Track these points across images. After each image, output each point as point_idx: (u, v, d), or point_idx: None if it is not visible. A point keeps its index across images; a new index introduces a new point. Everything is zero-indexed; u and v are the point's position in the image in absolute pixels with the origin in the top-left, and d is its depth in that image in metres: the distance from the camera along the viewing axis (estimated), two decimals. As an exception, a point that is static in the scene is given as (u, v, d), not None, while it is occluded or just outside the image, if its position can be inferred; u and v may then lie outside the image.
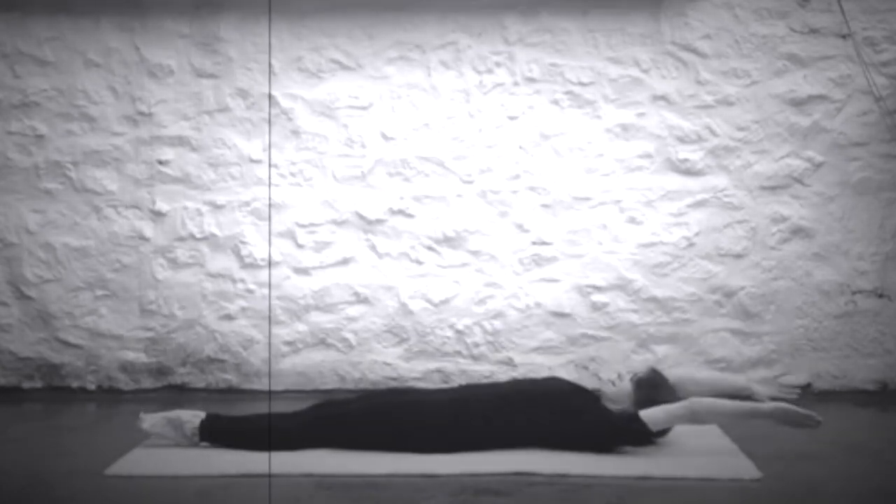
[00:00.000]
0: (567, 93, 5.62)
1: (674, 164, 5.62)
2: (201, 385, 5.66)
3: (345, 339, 5.65)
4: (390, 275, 5.66)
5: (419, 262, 5.67)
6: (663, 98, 5.61)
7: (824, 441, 4.62)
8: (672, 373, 4.61)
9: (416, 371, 5.63)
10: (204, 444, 4.42)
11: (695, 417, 4.28)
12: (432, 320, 5.66)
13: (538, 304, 5.62)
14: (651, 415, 4.28)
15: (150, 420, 4.43)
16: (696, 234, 5.63)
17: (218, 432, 4.43)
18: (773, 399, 4.50)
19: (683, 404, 4.28)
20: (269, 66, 5.63)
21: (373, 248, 5.67)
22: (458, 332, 5.64)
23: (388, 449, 4.31)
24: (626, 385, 4.44)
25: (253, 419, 4.50)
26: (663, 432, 4.35)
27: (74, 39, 5.65)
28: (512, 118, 5.65)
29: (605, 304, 5.63)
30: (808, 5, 5.57)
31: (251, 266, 5.65)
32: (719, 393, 4.48)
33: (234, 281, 5.67)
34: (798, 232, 5.61)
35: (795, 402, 4.44)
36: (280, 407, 5.36)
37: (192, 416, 4.43)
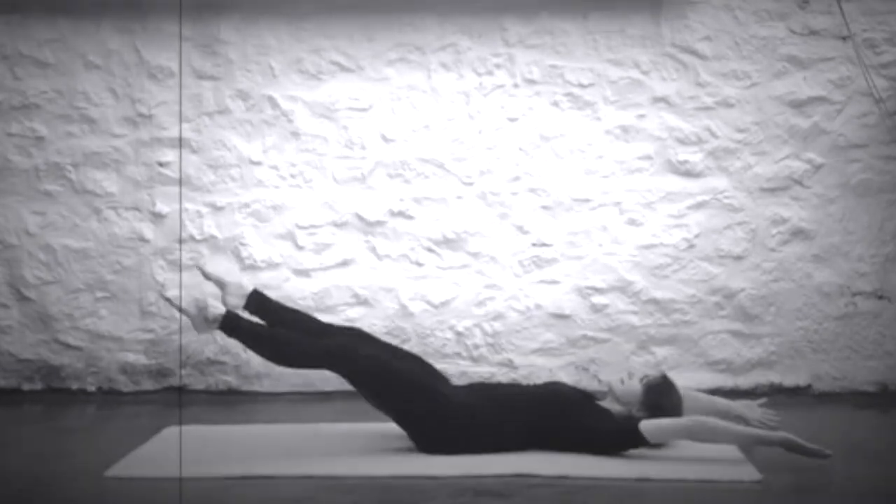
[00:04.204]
0: (567, 94, 5.63)
1: (674, 165, 5.62)
2: (201, 387, 5.66)
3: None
4: (390, 276, 5.66)
5: (419, 264, 5.67)
6: (663, 100, 5.62)
7: (824, 443, 4.62)
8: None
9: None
10: (221, 331, 4.39)
11: (695, 436, 4.22)
12: (432, 322, 5.66)
13: (538, 306, 5.62)
14: (652, 427, 4.23)
15: (176, 297, 4.42)
16: (696, 236, 5.63)
17: (238, 330, 4.40)
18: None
19: (686, 422, 4.23)
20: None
21: (373, 249, 5.67)
22: (459, 333, 5.64)
23: None
24: (636, 385, 4.40)
25: (270, 332, 4.47)
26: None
27: (74, 41, 5.65)
28: (512, 120, 5.65)
29: (605, 306, 5.62)
30: (808, 7, 5.57)
31: (251, 268, 5.65)
32: (711, 413, 4.42)
33: (234, 283, 5.66)
34: (798, 234, 5.61)
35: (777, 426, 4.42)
36: (280, 409, 5.38)
37: (217, 307, 4.38)
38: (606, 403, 4.42)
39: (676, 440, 4.31)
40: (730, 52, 5.59)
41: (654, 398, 4.35)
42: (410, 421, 4.35)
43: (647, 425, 4.23)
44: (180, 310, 4.39)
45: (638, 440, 4.24)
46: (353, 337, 4.56)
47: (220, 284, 4.60)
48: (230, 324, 4.38)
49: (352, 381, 4.39)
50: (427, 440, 4.34)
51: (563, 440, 4.33)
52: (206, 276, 4.64)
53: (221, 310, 4.38)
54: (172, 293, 4.52)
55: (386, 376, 4.33)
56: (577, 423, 4.32)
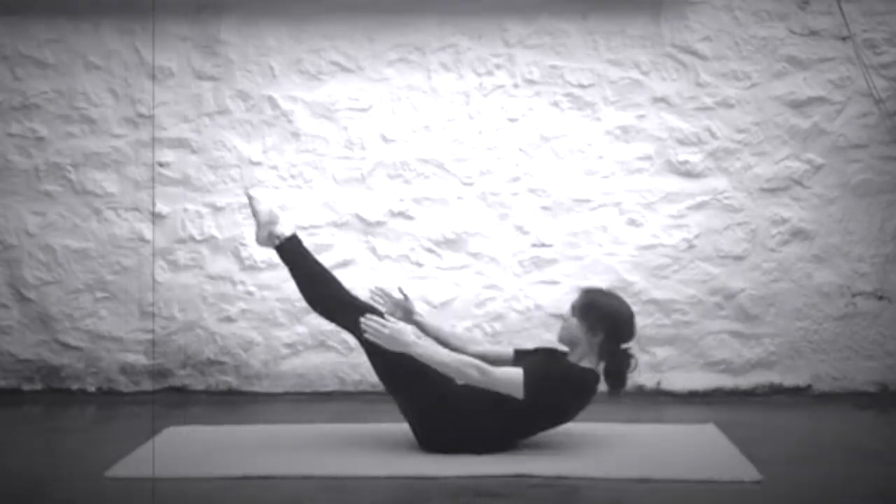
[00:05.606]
0: (567, 95, 5.63)
1: (674, 166, 5.63)
2: (201, 387, 5.66)
3: (344, 342, 5.64)
4: (390, 277, 5.66)
5: (419, 265, 5.67)
6: (663, 100, 5.62)
7: (824, 443, 4.63)
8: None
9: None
10: (274, 249, 4.56)
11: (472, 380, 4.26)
12: (432, 322, 5.65)
13: (538, 307, 5.62)
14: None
15: (259, 198, 4.57)
16: (696, 237, 5.63)
17: (294, 254, 4.52)
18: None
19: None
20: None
21: (373, 250, 5.67)
22: (458, 334, 5.63)
23: None
24: (572, 321, 4.40)
25: (328, 273, 4.58)
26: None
27: (75, 41, 5.65)
28: (512, 120, 5.65)
29: (605, 307, 5.62)
30: (808, 7, 5.57)
31: (251, 268, 5.65)
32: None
33: (234, 283, 5.67)
34: (798, 234, 5.61)
35: None
36: (280, 409, 5.38)
37: (287, 229, 4.54)
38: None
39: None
40: (730, 53, 5.59)
41: (589, 312, 4.37)
42: (418, 409, 4.35)
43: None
44: (255, 211, 4.52)
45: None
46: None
47: (257, 221, 4.58)
48: (292, 246, 4.52)
49: (372, 351, 4.39)
50: (429, 434, 4.34)
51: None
52: (251, 205, 4.60)
53: (288, 231, 4.53)
54: (256, 191, 4.60)
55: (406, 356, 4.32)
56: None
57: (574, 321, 4.40)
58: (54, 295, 5.68)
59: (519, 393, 4.23)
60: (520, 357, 4.56)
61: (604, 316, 4.36)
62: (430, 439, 4.34)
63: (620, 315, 4.40)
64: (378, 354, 4.36)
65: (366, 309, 4.46)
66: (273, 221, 4.52)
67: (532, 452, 4.32)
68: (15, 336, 5.69)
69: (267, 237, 4.54)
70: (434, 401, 4.31)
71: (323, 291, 4.51)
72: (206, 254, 5.68)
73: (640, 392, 5.59)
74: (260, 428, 4.87)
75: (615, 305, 4.41)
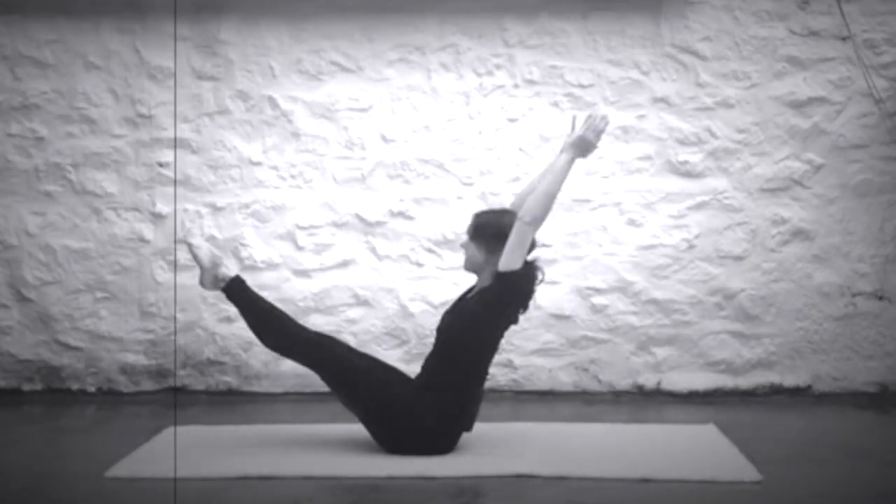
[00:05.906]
0: (567, 95, 5.63)
1: (674, 166, 5.63)
2: (201, 387, 5.66)
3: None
4: (390, 277, 5.66)
5: (419, 265, 5.67)
6: (663, 100, 5.62)
7: (824, 443, 4.63)
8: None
9: (415, 373, 5.61)
10: (221, 292, 4.54)
11: (535, 225, 4.23)
12: (432, 322, 5.63)
13: (538, 307, 5.61)
14: (504, 262, 4.24)
15: (199, 242, 4.57)
16: (696, 237, 5.63)
17: (241, 294, 4.51)
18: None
19: (515, 227, 4.23)
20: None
21: (373, 250, 5.67)
22: (458, 334, 5.63)
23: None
24: (470, 246, 4.40)
25: (274, 309, 4.54)
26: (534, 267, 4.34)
27: (75, 42, 5.65)
28: (512, 120, 5.65)
29: (606, 307, 5.62)
30: (808, 7, 5.57)
31: (251, 268, 5.65)
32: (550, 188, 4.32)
33: (234, 283, 5.66)
34: (798, 234, 5.61)
35: None
36: (280, 409, 5.38)
37: (230, 270, 4.53)
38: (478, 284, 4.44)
39: (527, 246, 4.25)
40: (730, 53, 5.59)
41: (489, 231, 4.35)
42: (376, 419, 4.37)
43: (501, 265, 4.25)
44: (196, 258, 4.50)
45: (504, 279, 4.25)
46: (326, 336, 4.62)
47: (200, 266, 4.55)
48: (236, 287, 4.51)
49: (325, 374, 4.44)
50: (391, 440, 4.36)
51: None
52: (192, 251, 4.56)
53: (232, 272, 4.52)
54: (197, 240, 4.59)
55: (357, 372, 4.39)
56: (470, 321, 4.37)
57: (472, 245, 4.41)
58: (54, 295, 5.68)
59: (518, 263, 4.24)
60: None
61: (498, 232, 4.32)
62: (391, 442, 4.36)
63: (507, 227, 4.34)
64: (333, 377, 4.43)
65: (319, 340, 4.48)
66: (217, 264, 4.51)
67: (532, 452, 4.32)
68: (15, 336, 5.69)
69: (212, 281, 4.53)
70: (394, 406, 4.35)
71: (274, 328, 4.49)
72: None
73: (640, 392, 5.60)
74: (260, 428, 4.87)
75: (508, 220, 4.35)
